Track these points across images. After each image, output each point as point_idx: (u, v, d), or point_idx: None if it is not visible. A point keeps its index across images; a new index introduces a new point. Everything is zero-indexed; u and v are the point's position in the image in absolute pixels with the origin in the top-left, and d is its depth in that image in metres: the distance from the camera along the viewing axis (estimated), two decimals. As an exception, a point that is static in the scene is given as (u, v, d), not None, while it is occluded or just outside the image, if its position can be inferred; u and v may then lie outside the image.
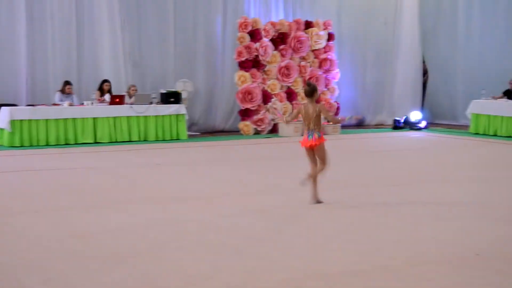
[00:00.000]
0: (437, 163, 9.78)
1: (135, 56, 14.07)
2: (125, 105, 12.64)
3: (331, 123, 7.83)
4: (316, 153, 6.34)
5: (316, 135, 6.28)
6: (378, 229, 5.42)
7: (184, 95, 13.80)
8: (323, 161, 6.35)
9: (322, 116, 6.33)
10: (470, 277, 4.10)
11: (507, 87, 14.03)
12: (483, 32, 16.03)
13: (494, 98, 13.80)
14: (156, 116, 12.85)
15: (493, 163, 9.81)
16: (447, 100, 17.11)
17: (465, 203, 6.59)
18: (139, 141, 12.61)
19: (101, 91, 12.98)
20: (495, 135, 13.31)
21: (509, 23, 15.15)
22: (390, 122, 16.15)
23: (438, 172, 8.71)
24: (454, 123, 16.61)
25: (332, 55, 15.36)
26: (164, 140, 12.81)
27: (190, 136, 13.59)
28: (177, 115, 13.06)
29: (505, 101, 13.55)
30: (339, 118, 7.25)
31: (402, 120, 15.47)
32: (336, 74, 15.47)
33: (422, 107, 17.46)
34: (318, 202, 6.38)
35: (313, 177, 6.38)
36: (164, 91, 13.29)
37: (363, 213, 6.06)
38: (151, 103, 12.91)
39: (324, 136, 6.40)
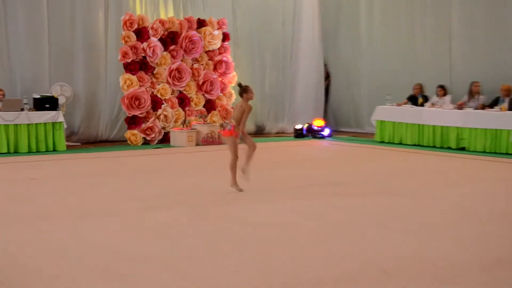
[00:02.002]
0: (339, 173, 10.05)
1: None
2: (-10, 113, 12.20)
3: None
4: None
5: (228, 127, 7.82)
6: (275, 245, 5.50)
7: (61, 100, 13.48)
8: (231, 152, 7.86)
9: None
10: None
11: (411, 92, 14.66)
12: (385, 34, 16.69)
13: (398, 104, 14.38)
14: (28, 124, 12.48)
15: (397, 173, 10.22)
16: (351, 106, 17.64)
17: (370, 215, 6.80)
18: (8, 153, 12.19)
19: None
20: (400, 143, 13.88)
21: (411, 26, 15.89)
22: (292, 130, 16.45)
23: (340, 184, 8.95)
24: (359, 130, 17.16)
25: (228, 56, 15.48)
26: (38, 152, 12.48)
27: (69, 147, 13.31)
28: (54, 123, 12.76)
29: (409, 107, 14.16)
30: (242, 132, 7.90)
31: (304, 128, 15.81)
32: (233, 77, 15.59)
33: (325, 114, 17.93)
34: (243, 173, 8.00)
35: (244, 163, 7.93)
36: (38, 96, 12.92)
37: (262, 229, 6.13)
38: (22, 109, 12.53)
39: (238, 137, 7.81)
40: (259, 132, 17.11)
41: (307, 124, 15.93)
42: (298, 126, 15.92)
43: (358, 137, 15.85)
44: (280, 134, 17.08)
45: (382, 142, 14.25)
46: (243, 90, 7.95)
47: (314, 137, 15.57)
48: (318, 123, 15.87)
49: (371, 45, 17.04)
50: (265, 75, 17.31)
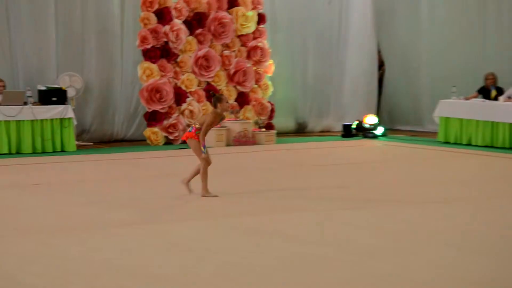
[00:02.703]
0: (396, 180, 9.91)
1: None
2: (-11, 107, 12.32)
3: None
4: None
5: (189, 129, 8.18)
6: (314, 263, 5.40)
7: (70, 93, 13.53)
8: (199, 156, 8.12)
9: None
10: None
11: (482, 83, 14.42)
12: (450, 15, 16.47)
13: (467, 98, 14.15)
14: (32, 121, 12.56)
15: (464, 180, 10.04)
16: (409, 99, 17.47)
17: (431, 229, 6.66)
18: (9, 154, 12.27)
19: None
20: (469, 144, 13.66)
21: (482, 5, 15.63)
22: (339, 128, 16.32)
23: (398, 191, 8.82)
24: (418, 129, 16.97)
25: (264, 42, 15.40)
26: (44, 153, 12.54)
27: (80, 147, 13.36)
28: (62, 120, 12.82)
29: (480, 101, 13.92)
30: (202, 145, 8.15)
31: (354, 126, 15.67)
32: (269, 66, 15.51)
33: (378, 109, 17.77)
34: (188, 187, 8.27)
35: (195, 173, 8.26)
36: (44, 88, 13.01)
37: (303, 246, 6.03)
38: (25, 103, 12.60)
39: (204, 146, 8.06)
40: (300, 130, 17.02)
41: (357, 121, 15.79)
42: (346, 124, 15.79)
43: (418, 136, 15.65)
44: (324, 133, 16.96)
45: (446, 142, 14.04)
46: (217, 100, 8.12)
47: (365, 136, 15.41)
48: (370, 120, 15.72)
49: (433, 28, 16.84)
50: (307, 63, 17.20)
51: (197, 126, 8.11)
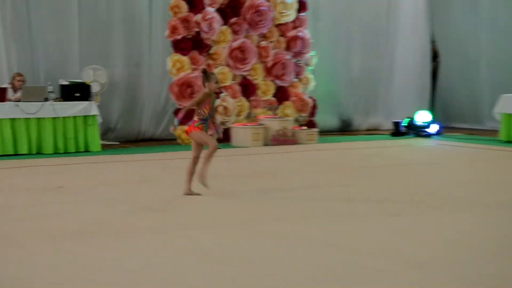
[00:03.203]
0: (451, 183, 9.82)
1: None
2: (7, 103, 12.45)
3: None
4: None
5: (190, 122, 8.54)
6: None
7: (95, 88, 13.66)
8: (206, 144, 8.43)
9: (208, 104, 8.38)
10: None
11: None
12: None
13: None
14: (54, 118, 12.71)
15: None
16: (467, 94, 17.40)
17: (490, 238, 6.57)
18: (29, 154, 12.41)
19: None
20: (534, 143, 13.58)
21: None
22: (388, 126, 16.32)
23: (453, 196, 8.74)
24: (477, 126, 16.90)
25: (305, 32, 15.38)
26: (66, 153, 12.66)
27: (104, 147, 13.48)
28: (85, 117, 12.96)
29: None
30: (177, 117, 8.77)
31: (404, 124, 15.61)
32: (311, 58, 15.49)
33: (432, 105, 17.66)
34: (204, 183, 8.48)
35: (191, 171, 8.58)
36: (66, 83, 13.14)
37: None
38: (46, 99, 12.73)
39: (201, 128, 8.37)
40: (345, 128, 17.01)
41: (408, 119, 15.72)
42: (396, 121, 15.73)
43: (477, 135, 15.55)
44: (372, 131, 16.94)
45: (509, 142, 13.92)
46: (205, 78, 8.39)
47: (417, 135, 15.36)
48: (422, 117, 15.65)
49: (495, 16, 16.71)
50: (353, 55, 17.22)
51: (195, 119, 8.46)
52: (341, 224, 7.18)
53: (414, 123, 15.57)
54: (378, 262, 5.78)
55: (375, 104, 17.43)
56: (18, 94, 12.75)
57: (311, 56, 15.53)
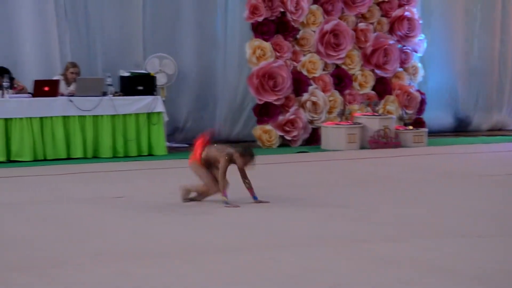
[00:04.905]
0: None
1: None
2: (59, 98, 12.64)
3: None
4: None
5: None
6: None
7: (161, 80, 13.84)
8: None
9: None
10: None
11: None
12: None
13: None
14: (113, 116, 12.89)
15: None
16: None
17: None
18: (84, 158, 12.63)
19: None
20: None
21: None
22: (514, 125, 16.19)
23: None
24: None
25: (412, 11, 15.36)
26: (127, 157, 12.85)
27: (171, 150, 13.65)
28: (149, 115, 13.13)
29: None
30: (224, 194, 9.04)
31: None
32: (420, 44, 15.44)
33: None
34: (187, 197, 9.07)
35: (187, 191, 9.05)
36: (127, 74, 13.33)
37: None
38: (104, 94, 12.93)
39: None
40: (462, 128, 16.86)
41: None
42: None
43: None
44: (495, 131, 16.82)
45: None
46: (244, 152, 8.82)
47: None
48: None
49: None
50: (472, 39, 17.04)
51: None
52: (451, 245, 7.14)
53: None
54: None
55: (500, 99, 17.22)
56: (72, 88, 12.96)
57: (420, 40, 15.45)
